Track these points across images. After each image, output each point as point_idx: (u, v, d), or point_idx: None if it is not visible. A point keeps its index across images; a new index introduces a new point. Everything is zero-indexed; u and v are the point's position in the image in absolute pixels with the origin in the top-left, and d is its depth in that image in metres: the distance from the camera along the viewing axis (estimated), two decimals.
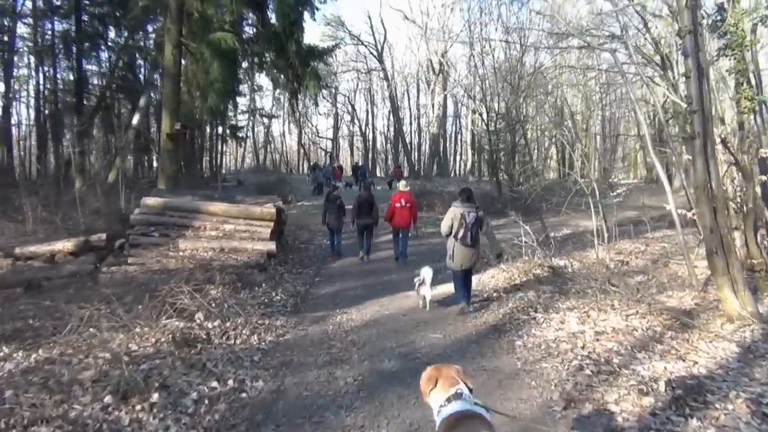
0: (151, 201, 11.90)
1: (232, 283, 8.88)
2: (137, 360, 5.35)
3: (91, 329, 6.01)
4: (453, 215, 7.93)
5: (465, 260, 8.04)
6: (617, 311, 7.40)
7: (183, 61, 17.11)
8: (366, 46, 41.66)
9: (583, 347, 6.14)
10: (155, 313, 6.59)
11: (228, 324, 6.85)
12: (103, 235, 11.22)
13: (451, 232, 7.97)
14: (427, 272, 8.45)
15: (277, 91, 45.41)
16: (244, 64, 19.19)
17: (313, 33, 57.32)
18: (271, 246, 11.09)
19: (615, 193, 15.48)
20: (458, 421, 2.52)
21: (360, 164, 41.20)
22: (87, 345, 5.67)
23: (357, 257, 12.90)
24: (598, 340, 6.33)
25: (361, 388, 5.24)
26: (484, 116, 24.79)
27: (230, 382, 5.18)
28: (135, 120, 21.74)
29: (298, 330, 7.28)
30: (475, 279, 10.72)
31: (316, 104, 17.27)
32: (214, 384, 5.07)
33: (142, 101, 21.87)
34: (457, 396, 2.66)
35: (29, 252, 10.64)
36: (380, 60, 41.34)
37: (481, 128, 40.21)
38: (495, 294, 9.26)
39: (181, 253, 10.55)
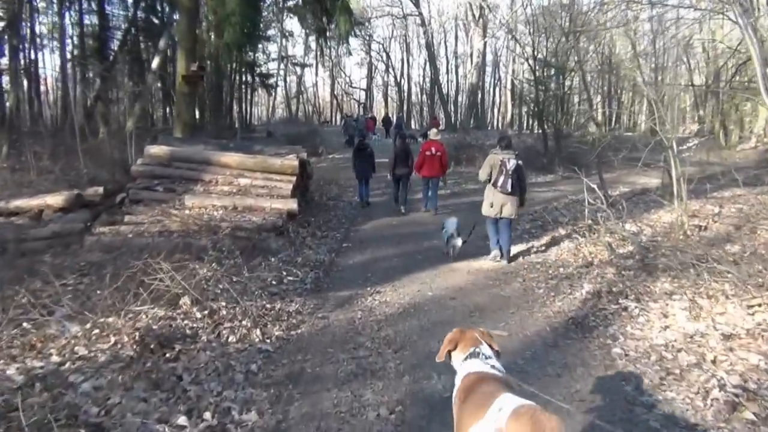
0: (155, 150, 10.19)
1: (240, 252, 7.18)
2: (79, 374, 3.68)
3: (25, 324, 4.33)
4: (492, 162, 7.59)
5: (503, 208, 7.71)
6: (734, 300, 5.46)
7: None
8: None
9: (714, 362, 4.25)
10: (123, 296, 4.86)
11: (224, 312, 5.11)
12: (100, 189, 9.58)
13: (489, 180, 7.65)
14: (452, 223, 8.26)
15: (310, 38, 43.35)
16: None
17: None
18: (292, 205, 9.32)
19: (686, 146, 13.43)
20: (476, 382, 2.40)
21: (395, 116, 39.03)
22: (20, 347, 4.03)
23: (389, 218, 11.52)
24: (731, 349, 4.42)
25: (401, 428, 3.49)
26: (531, 61, 22.23)
27: (207, 414, 3.44)
28: (154, 64, 19.92)
29: (317, 319, 5.52)
30: (530, 245, 8.96)
31: (348, 45, 15.13)
32: (182, 420, 3.34)
33: (161, 43, 19.97)
34: (474, 355, 2.59)
35: (14, 206, 9.07)
36: (417, 3, 38.44)
37: (525, 77, 37.54)
38: (562, 270, 7.37)
39: (187, 212, 8.87)
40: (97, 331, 4.35)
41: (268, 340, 4.79)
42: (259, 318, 5.17)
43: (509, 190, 7.52)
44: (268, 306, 5.58)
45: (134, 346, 4.13)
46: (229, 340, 4.64)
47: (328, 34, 16.36)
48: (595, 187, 9.70)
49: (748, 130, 30.06)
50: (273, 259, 7.42)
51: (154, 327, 4.45)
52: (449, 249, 8.21)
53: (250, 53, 33.47)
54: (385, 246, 9.04)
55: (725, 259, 6.62)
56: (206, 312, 4.98)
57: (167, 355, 4.16)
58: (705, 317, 5.15)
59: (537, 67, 22.13)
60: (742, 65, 19.01)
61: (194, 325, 4.73)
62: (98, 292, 5.00)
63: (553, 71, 23.28)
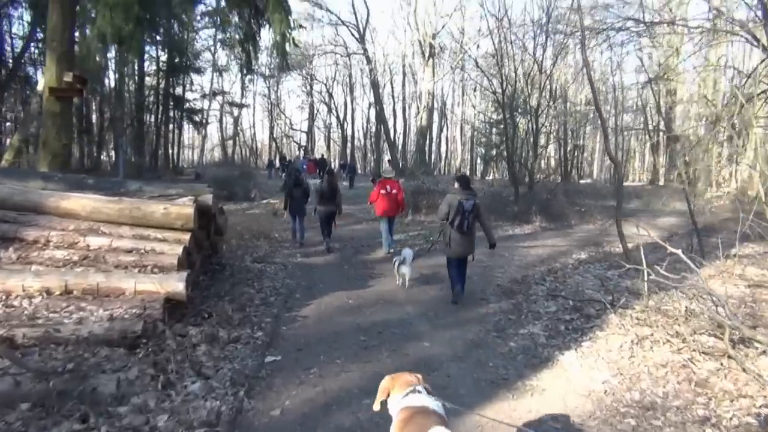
0: None
1: (31, 405, 2.98)
2: None
3: None
4: (450, 202, 7.25)
5: (461, 248, 7.29)
6: None
7: None
8: (347, 26, 35.13)
9: None
10: None
11: None
12: None
13: (447, 219, 7.24)
14: (408, 253, 8.12)
15: (247, 77, 39.32)
16: None
17: None
18: (176, 284, 5.06)
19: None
20: (413, 416, 2.43)
21: (343, 161, 36.01)
22: None
23: (344, 292, 7.57)
24: None
25: None
26: (498, 96, 18.83)
27: None
28: (40, 85, 15.36)
29: None
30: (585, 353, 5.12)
31: (284, 55, 11.34)
32: None
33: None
34: (414, 392, 2.59)
35: None
36: (362, 40, 34.99)
37: (486, 118, 34.63)
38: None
39: None
40: None
41: None
42: None
43: (465, 230, 7.21)
44: None
45: None
46: None
47: (258, 40, 12.32)
48: (680, 253, 5.92)
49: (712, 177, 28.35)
50: (100, 427, 3.20)
51: None
52: (400, 277, 8.07)
53: (178, 85, 29.24)
54: (342, 359, 4.93)
55: None
56: None
57: None
58: None
59: (505, 104, 18.68)
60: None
61: None
62: None
63: (520, 109, 20.14)
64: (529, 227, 15.67)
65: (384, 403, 2.71)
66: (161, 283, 5.03)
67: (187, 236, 5.82)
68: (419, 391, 2.58)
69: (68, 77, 9.98)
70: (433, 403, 2.50)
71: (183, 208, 5.84)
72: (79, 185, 6.60)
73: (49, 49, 10.21)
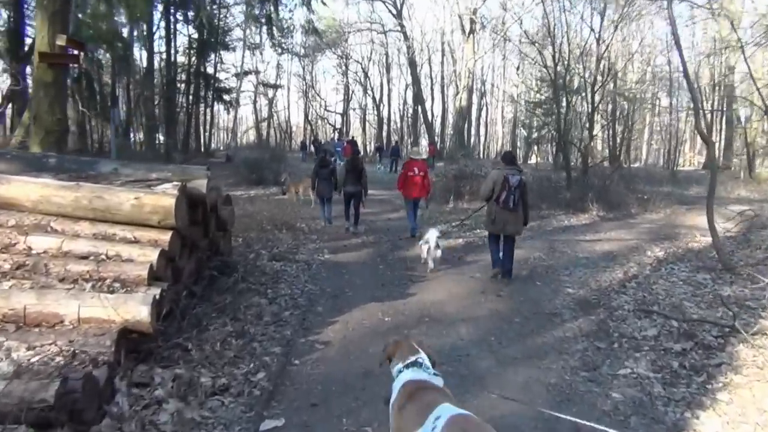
0: None
1: None
2: None
3: None
4: (495, 178, 7.04)
5: (506, 225, 7.02)
6: None
7: None
8: (383, 1, 33.29)
9: None
10: None
11: None
12: None
13: (492, 196, 7.04)
14: (432, 233, 7.51)
15: (283, 56, 37.99)
16: None
17: None
18: (138, 310, 3.47)
19: None
20: (416, 391, 2.29)
21: (387, 144, 34.81)
22: None
23: (377, 304, 5.96)
24: None
25: None
26: (550, 70, 16.78)
27: None
28: None
29: None
30: (743, 415, 3.31)
31: (310, 11, 9.74)
32: None
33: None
34: (415, 363, 2.45)
35: None
36: (399, 16, 33.00)
37: (530, 97, 32.53)
38: None
39: None
40: None
41: None
42: None
43: (512, 206, 6.92)
44: None
45: None
46: None
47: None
48: None
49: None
50: None
51: None
52: (429, 260, 7.46)
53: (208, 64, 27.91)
54: (374, 425, 3.29)
55: None
56: None
57: None
58: None
59: (557, 77, 16.65)
60: None
61: None
62: None
63: (568, 88, 18.06)
64: (586, 217, 13.82)
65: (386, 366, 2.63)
66: (117, 307, 3.46)
67: (167, 236, 4.25)
68: (420, 363, 2.44)
69: (61, 41, 8.59)
70: (435, 379, 2.40)
71: (161, 197, 4.24)
72: (38, 166, 5.06)
73: (40, 8, 8.84)
